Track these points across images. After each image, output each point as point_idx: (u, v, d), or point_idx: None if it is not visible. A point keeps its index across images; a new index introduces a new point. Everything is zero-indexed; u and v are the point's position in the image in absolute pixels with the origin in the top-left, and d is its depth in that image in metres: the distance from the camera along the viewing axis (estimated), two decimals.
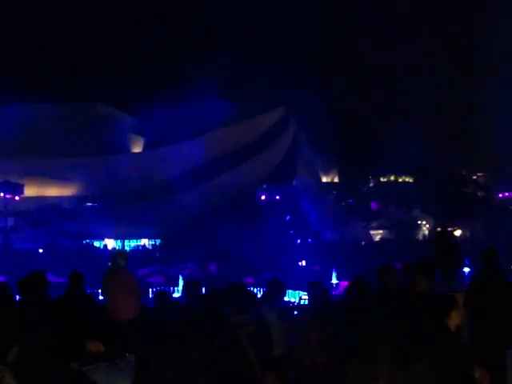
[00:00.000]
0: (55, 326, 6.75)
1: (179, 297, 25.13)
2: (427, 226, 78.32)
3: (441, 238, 20.53)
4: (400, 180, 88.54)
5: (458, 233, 62.77)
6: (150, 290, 30.43)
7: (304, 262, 49.82)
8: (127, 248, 54.60)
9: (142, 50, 78.13)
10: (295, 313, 12.34)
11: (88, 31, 75.31)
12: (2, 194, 56.99)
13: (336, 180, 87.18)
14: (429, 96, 79.71)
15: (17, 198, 57.57)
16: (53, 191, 62.71)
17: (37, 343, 6.16)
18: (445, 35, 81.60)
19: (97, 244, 57.67)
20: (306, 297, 20.73)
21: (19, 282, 8.67)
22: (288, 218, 67.70)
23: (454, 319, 7.23)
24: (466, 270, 28.05)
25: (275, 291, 10.24)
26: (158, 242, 59.66)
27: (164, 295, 9.65)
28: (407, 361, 5.45)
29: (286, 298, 20.79)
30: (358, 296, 8.39)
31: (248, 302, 9.09)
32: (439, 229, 31.40)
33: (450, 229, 30.04)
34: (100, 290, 13.08)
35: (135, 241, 59.52)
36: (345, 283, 26.06)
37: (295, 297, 25.62)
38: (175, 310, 8.45)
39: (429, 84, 78.34)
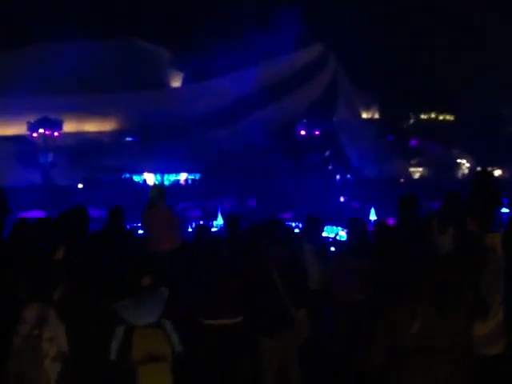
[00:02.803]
0: (96, 261, 6.83)
1: (218, 231, 25.38)
2: (467, 165, 77.64)
3: (480, 177, 20.29)
4: (441, 118, 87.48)
5: (497, 173, 62.16)
6: (189, 224, 30.71)
7: (343, 198, 49.88)
8: (166, 182, 54.95)
9: None
10: (332, 249, 12.35)
11: None
12: (41, 131, 57.50)
13: (376, 116, 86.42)
14: (471, 33, 78.06)
15: (56, 133, 58.06)
16: (91, 127, 63.06)
17: (82, 280, 6.24)
18: None
19: (136, 178, 58.11)
20: (343, 233, 20.75)
21: (60, 217, 8.75)
22: (327, 153, 67.55)
23: None
24: (505, 210, 27.82)
25: (313, 227, 10.23)
26: (198, 176, 59.96)
27: (204, 229, 9.69)
28: (445, 303, 5.40)
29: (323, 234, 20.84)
30: (389, 237, 8.33)
31: (286, 237, 9.12)
32: (479, 168, 31.08)
33: (489, 168, 29.62)
34: (139, 225, 13.21)
35: (174, 175, 59.80)
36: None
37: (332, 232, 25.64)
38: (215, 244, 8.51)
39: (472, 21, 76.67)
